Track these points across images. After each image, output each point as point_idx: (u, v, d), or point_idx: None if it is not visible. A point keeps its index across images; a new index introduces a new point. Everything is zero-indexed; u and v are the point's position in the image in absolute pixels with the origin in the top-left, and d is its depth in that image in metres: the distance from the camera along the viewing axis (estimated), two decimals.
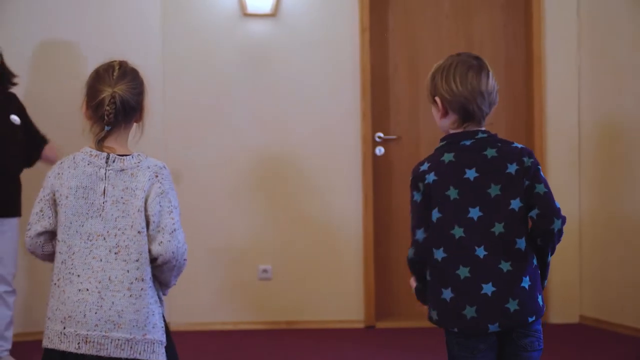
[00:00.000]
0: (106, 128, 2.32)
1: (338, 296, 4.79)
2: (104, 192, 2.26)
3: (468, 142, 2.09)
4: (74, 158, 2.34)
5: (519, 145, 2.11)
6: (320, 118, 4.79)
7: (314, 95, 4.78)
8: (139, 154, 2.37)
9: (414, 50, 4.87)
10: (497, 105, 2.19)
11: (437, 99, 2.14)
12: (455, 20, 4.88)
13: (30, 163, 3.88)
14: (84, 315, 2.19)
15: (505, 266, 2.02)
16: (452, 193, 2.05)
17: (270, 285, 4.79)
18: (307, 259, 4.79)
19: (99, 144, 2.32)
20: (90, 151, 2.34)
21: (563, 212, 2.08)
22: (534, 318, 2.06)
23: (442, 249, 2.05)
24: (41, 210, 2.30)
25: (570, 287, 4.77)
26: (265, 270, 4.78)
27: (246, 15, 4.73)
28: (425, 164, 2.13)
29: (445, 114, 2.14)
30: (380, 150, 4.83)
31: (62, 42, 4.57)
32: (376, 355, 4.21)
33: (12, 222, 3.76)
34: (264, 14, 4.72)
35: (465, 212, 2.04)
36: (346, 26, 4.76)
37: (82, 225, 2.24)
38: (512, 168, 2.05)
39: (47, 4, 4.59)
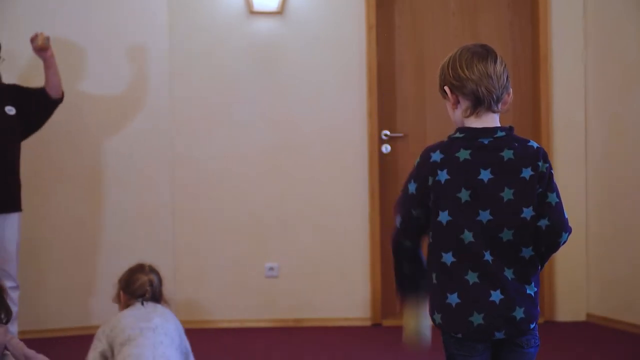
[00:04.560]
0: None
1: (344, 294, 4.79)
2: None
3: (486, 141, 2.03)
4: None
5: (535, 145, 2.04)
6: (327, 116, 4.79)
7: (320, 92, 4.79)
8: None
9: (420, 47, 4.87)
10: (511, 98, 2.11)
11: (446, 88, 2.08)
12: (461, 18, 4.88)
13: (32, 131, 4.03)
14: None
15: (509, 273, 2.00)
16: (464, 195, 2.00)
17: (276, 282, 4.80)
18: (314, 257, 4.79)
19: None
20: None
21: (569, 211, 2.08)
22: (534, 324, 2.05)
23: (451, 252, 2.01)
24: None
25: (577, 285, 4.76)
26: (271, 268, 4.79)
27: (252, 13, 4.73)
28: (438, 152, 2.04)
29: (456, 102, 2.08)
30: (386, 148, 4.83)
31: (68, 40, 4.58)
32: (382, 352, 4.21)
33: (13, 217, 3.80)
34: (270, 11, 4.73)
35: (475, 215, 2.00)
36: (352, 24, 4.76)
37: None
38: (527, 173, 2.00)
39: (53, 1, 4.61)
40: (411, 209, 2.08)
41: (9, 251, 3.81)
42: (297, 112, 4.79)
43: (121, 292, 3.21)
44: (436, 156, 2.04)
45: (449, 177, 2.02)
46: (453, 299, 2.02)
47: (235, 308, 4.78)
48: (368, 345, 4.34)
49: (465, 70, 2.04)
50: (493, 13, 4.87)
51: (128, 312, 3.09)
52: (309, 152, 4.79)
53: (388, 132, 4.83)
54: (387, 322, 4.76)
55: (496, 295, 1.99)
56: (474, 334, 2.01)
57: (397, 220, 2.13)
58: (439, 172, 2.03)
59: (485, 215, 2.00)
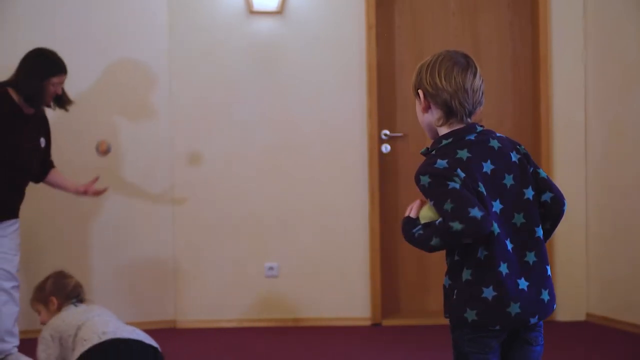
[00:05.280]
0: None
1: (344, 293, 4.79)
2: None
3: (472, 137, 2.06)
4: None
5: (502, 135, 2.12)
6: (327, 115, 4.79)
7: (320, 92, 4.79)
8: None
9: (420, 47, 4.87)
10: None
11: (420, 91, 2.09)
12: (461, 18, 4.88)
13: (37, 181, 4.04)
14: None
15: (530, 257, 2.04)
16: (482, 189, 2.01)
17: (276, 282, 4.80)
18: (314, 257, 4.79)
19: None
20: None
21: (569, 210, 2.17)
22: (555, 305, 2.10)
23: (483, 245, 2.01)
24: None
25: (577, 284, 4.76)
26: (271, 268, 4.79)
27: (252, 12, 4.73)
28: (440, 161, 2.01)
29: (427, 108, 2.09)
30: (386, 148, 4.83)
31: (68, 40, 4.58)
32: (382, 352, 4.21)
33: (14, 222, 3.91)
34: (270, 11, 4.73)
35: (490, 207, 2.02)
36: (352, 23, 4.76)
37: None
38: (515, 157, 2.07)
39: (53, 1, 4.61)
40: (470, 195, 1.95)
41: (10, 251, 3.85)
42: (297, 112, 4.79)
43: (53, 299, 3.28)
44: (442, 163, 2.00)
45: (465, 175, 1.99)
46: (489, 292, 2.00)
47: (235, 308, 4.78)
48: (368, 345, 4.34)
49: (443, 80, 2.04)
50: (493, 13, 4.87)
51: (65, 312, 3.20)
52: (309, 152, 4.79)
53: (388, 132, 4.83)
54: (387, 322, 4.76)
55: (523, 283, 2.02)
56: (512, 324, 2.02)
57: (473, 212, 1.91)
58: (455, 172, 1.99)
59: (497, 205, 2.03)
